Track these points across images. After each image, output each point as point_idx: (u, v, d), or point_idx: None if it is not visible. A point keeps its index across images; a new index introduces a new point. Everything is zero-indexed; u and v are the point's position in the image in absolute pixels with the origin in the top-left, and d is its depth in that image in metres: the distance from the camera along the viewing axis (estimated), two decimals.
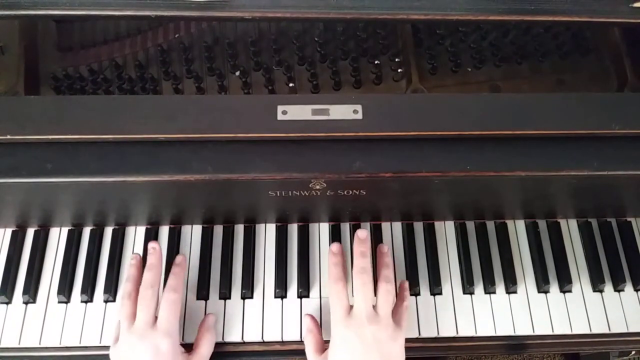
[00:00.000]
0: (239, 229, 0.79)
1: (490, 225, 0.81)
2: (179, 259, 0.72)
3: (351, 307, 0.67)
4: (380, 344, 0.64)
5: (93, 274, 0.76)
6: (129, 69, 0.78)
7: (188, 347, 0.71)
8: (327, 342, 0.69)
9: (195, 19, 0.76)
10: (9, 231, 0.79)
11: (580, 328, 0.75)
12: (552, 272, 0.78)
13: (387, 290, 0.68)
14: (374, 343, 0.64)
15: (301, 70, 0.78)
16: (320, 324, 0.74)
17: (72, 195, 0.68)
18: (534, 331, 0.74)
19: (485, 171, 0.62)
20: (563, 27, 0.80)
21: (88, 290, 0.75)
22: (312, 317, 0.73)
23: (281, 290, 0.75)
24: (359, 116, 0.62)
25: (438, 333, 0.74)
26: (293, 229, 0.80)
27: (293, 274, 0.77)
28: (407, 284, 0.74)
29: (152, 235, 0.78)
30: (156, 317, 0.67)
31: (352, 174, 0.61)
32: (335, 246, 0.73)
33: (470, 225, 0.81)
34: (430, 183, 0.65)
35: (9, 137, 0.60)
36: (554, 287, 0.77)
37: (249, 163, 0.61)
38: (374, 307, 0.67)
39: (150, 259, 0.70)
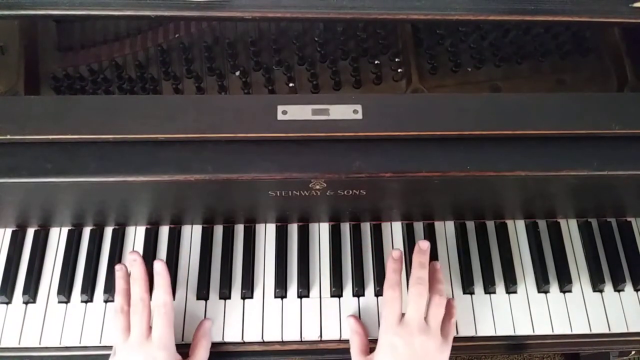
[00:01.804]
0: (239, 229, 0.79)
1: (490, 225, 0.81)
2: (157, 266, 0.69)
3: (402, 315, 0.67)
4: (427, 355, 0.64)
5: (93, 274, 0.76)
6: (129, 69, 0.78)
7: (187, 348, 0.71)
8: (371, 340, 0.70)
9: (195, 19, 0.76)
10: (9, 231, 0.79)
11: (580, 328, 0.75)
12: (552, 272, 0.78)
13: (439, 303, 0.68)
14: (422, 353, 0.64)
15: (301, 70, 0.78)
16: (320, 324, 0.74)
17: (72, 195, 0.68)
18: (534, 331, 0.74)
19: (485, 171, 0.62)
20: (563, 27, 0.80)
21: (88, 290, 0.75)
22: (356, 317, 0.73)
23: (281, 290, 0.75)
24: (359, 116, 0.62)
25: None
26: (293, 229, 0.80)
27: (293, 274, 0.77)
28: (454, 301, 0.74)
29: (152, 235, 0.78)
30: (150, 327, 0.66)
31: (352, 174, 0.61)
32: (397, 253, 0.71)
33: (470, 225, 0.81)
34: (430, 183, 0.65)
35: (9, 137, 0.60)
36: (554, 287, 0.77)
37: (249, 163, 0.61)
38: (425, 318, 0.67)
39: (133, 272, 0.68)
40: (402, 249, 0.79)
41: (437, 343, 0.66)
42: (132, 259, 0.69)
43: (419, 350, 0.64)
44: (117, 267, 0.71)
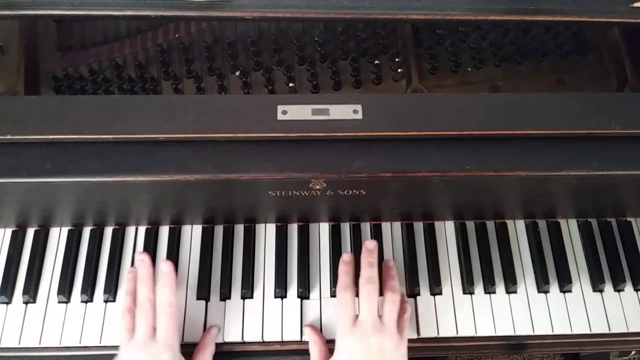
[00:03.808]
0: (239, 229, 0.79)
1: (490, 225, 0.81)
2: (165, 267, 0.69)
3: (357, 316, 0.67)
4: (384, 353, 0.64)
5: (93, 274, 0.76)
6: (129, 69, 0.78)
7: (187, 347, 0.71)
8: (330, 341, 0.70)
9: (195, 19, 0.76)
10: (9, 231, 0.79)
11: (580, 328, 0.75)
12: (552, 272, 0.78)
13: (393, 300, 0.68)
14: (378, 352, 0.64)
15: (301, 70, 0.78)
16: (321, 325, 0.74)
17: (72, 195, 0.68)
18: (534, 331, 0.74)
19: (485, 171, 0.62)
20: (563, 27, 0.80)
21: (88, 290, 0.75)
22: (313, 327, 0.73)
23: (281, 290, 0.75)
24: (359, 116, 0.62)
25: (438, 333, 0.74)
26: (293, 229, 0.80)
27: (293, 274, 0.77)
28: (407, 297, 0.75)
29: (152, 235, 0.78)
30: (155, 329, 0.66)
31: (352, 174, 0.61)
32: (347, 256, 0.73)
33: (470, 225, 0.81)
34: (430, 183, 0.65)
35: (9, 137, 0.60)
36: (554, 287, 0.77)
37: (249, 163, 0.61)
38: (380, 316, 0.67)
39: (141, 272, 0.69)
40: (402, 249, 0.79)
41: (394, 340, 0.66)
42: (141, 259, 0.70)
43: (375, 349, 0.64)
44: (131, 269, 0.72)
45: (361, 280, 0.69)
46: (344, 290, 0.69)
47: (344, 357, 0.66)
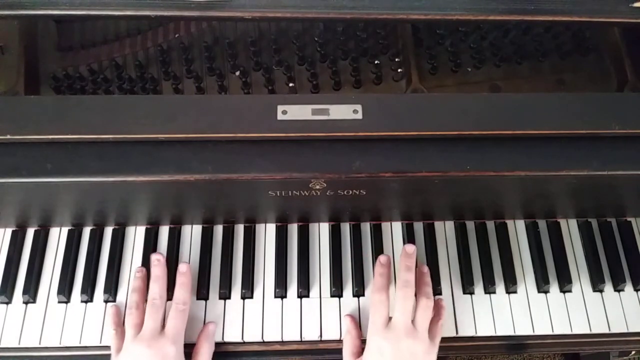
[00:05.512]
0: (239, 229, 0.79)
1: (490, 225, 0.81)
2: (183, 267, 0.73)
3: (389, 317, 0.68)
4: (414, 358, 0.65)
5: (93, 274, 0.76)
6: (129, 69, 0.78)
7: (186, 347, 0.71)
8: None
9: (195, 19, 0.76)
10: (9, 231, 0.79)
11: (580, 328, 0.75)
12: (552, 272, 0.78)
13: (427, 305, 0.69)
14: (409, 356, 0.65)
15: (301, 70, 0.78)
16: (320, 324, 0.74)
17: (72, 195, 0.68)
18: (534, 331, 0.74)
19: (485, 171, 0.62)
20: (563, 27, 0.80)
21: (88, 290, 0.75)
22: (352, 317, 0.73)
23: (281, 290, 0.75)
24: (359, 116, 0.62)
25: None
26: (293, 229, 0.80)
27: (293, 274, 0.77)
28: (444, 302, 0.75)
29: (152, 235, 0.78)
30: (163, 325, 0.69)
31: (352, 174, 0.61)
32: (385, 258, 0.73)
33: (470, 225, 0.81)
34: (430, 183, 0.65)
35: (9, 137, 0.60)
36: (554, 287, 0.77)
37: (249, 163, 0.61)
38: (412, 321, 0.68)
39: (155, 271, 0.72)
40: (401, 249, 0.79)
41: (425, 346, 0.66)
42: (157, 259, 0.74)
43: (406, 353, 0.65)
44: (139, 268, 0.74)
45: (398, 284, 0.70)
46: (378, 291, 0.69)
47: (374, 358, 0.66)
